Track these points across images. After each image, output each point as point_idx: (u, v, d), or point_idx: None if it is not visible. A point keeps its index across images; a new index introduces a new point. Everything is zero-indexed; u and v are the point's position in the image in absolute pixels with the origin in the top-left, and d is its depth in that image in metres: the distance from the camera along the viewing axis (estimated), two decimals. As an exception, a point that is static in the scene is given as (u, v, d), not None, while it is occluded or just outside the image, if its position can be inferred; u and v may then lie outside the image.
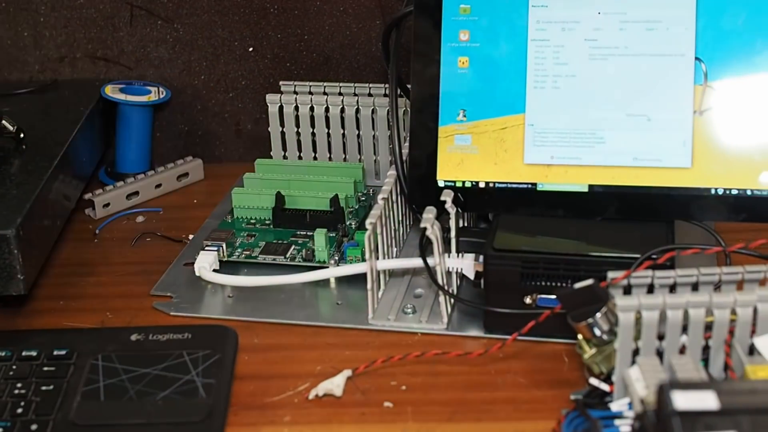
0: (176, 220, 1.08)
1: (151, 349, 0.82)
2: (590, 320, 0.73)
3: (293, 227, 1.00)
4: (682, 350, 0.72)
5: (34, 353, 0.82)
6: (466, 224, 0.92)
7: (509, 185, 0.88)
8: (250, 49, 1.18)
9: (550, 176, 0.87)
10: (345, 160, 1.11)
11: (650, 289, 0.75)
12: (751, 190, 0.84)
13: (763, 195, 0.84)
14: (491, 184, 0.89)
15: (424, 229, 0.84)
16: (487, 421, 0.76)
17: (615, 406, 0.72)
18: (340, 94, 1.10)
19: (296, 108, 1.11)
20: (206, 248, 0.96)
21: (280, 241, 0.99)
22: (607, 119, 0.87)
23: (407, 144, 0.92)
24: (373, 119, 1.09)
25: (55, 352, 0.82)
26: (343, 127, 1.10)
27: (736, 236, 0.83)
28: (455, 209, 0.87)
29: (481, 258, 0.85)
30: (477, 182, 0.89)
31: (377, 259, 0.88)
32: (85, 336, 0.86)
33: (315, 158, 1.12)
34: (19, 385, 0.79)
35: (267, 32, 1.17)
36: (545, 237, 0.84)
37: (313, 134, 1.11)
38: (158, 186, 1.14)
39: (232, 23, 1.17)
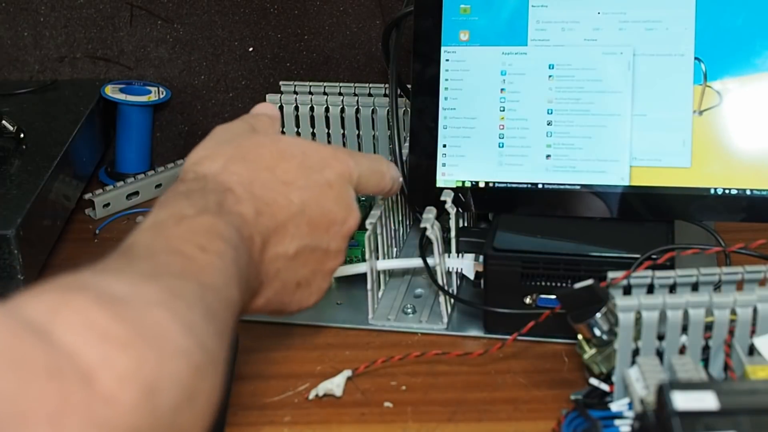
0: (176, 220, 1.08)
1: (151, 349, 0.82)
2: (590, 320, 0.73)
3: (293, 227, 1.00)
4: (682, 350, 0.72)
5: (34, 353, 0.82)
6: (466, 224, 0.92)
7: (509, 185, 0.88)
8: (250, 49, 1.18)
9: (550, 176, 0.87)
10: (345, 160, 1.11)
11: (650, 289, 0.75)
12: (751, 190, 0.84)
13: (763, 195, 0.84)
14: (491, 184, 0.89)
15: (424, 229, 0.84)
16: (487, 421, 0.76)
17: (615, 406, 0.72)
18: (340, 94, 1.10)
19: (296, 108, 1.10)
20: (206, 248, 0.96)
21: (280, 241, 0.98)
22: (607, 119, 0.86)
23: (407, 144, 0.92)
24: (373, 119, 1.09)
25: (55, 352, 0.82)
26: (343, 127, 1.10)
27: (736, 236, 0.82)
28: (455, 209, 0.87)
29: (481, 258, 0.85)
30: (477, 182, 0.89)
31: (377, 259, 0.88)
32: (85, 336, 0.85)
33: (315, 158, 1.12)
34: (19, 385, 0.79)
35: (267, 32, 1.17)
36: (545, 237, 0.84)
37: (313, 134, 1.11)
38: (158, 186, 1.14)
39: (232, 23, 1.17)
